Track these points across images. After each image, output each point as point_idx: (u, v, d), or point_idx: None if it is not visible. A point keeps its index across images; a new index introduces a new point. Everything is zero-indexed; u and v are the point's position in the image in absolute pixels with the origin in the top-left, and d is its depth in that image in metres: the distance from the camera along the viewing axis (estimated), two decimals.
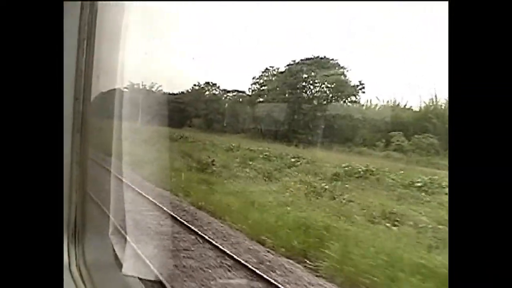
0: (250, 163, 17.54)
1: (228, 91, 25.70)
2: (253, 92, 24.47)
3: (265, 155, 18.77)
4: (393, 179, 14.28)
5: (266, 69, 23.74)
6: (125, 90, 2.25)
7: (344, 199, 12.38)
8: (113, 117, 2.06)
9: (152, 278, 4.96)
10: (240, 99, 25.54)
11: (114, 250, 2.36)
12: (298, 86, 22.38)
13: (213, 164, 16.73)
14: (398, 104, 20.05)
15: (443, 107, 17.74)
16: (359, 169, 15.26)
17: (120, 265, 2.26)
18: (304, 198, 12.54)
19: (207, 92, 26.49)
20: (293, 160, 17.63)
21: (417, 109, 19.54)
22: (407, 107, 20.07)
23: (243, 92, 25.38)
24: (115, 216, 2.29)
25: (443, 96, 17.55)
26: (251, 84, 24.54)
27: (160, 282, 5.78)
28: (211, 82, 26.03)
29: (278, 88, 22.88)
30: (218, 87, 25.98)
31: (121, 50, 2.14)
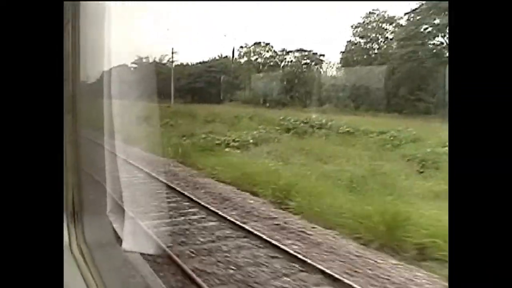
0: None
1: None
2: None
3: None
4: None
5: None
6: (133, 66, 2.24)
7: None
8: (105, 96, 2.05)
9: (152, 252, 5.01)
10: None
11: (113, 228, 2.37)
12: None
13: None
14: None
15: None
16: None
17: (120, 242, 2.28)
18: None
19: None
20: None
21: None
22: None
23: None
24: (112, 193, 2.30)
25: None
26: None
27: (160, 255, 5.85)
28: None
29: None
30: None
31: (106, 28, 2.11)
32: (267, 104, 20.84)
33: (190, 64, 23.48)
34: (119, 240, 2.34)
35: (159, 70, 20.77)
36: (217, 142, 16.19)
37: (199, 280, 5.34)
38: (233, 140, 16.26)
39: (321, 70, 22.39)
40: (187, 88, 24.02)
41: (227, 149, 15.57)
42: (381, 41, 22.47)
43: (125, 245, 2.26)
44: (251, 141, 16.04)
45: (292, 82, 20.87)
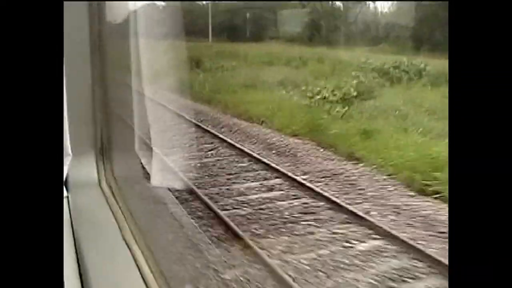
0: None
1: None
2: None
3: None
4: None
5: None
6: (162, 3, 2.21)
7: None
8: (131, 35, 2.05)
9: (180, 187, 5.13)
10: None
11: (141, 164, 2.42)
12: None
13: None
14: None
15: None
16: None
17: (148, 178, 2.33)
18: None
19: None
20: None
21: None
22: None
23: None
24: (140, 130, 2.33)
25: None
26: None
27: (188, 190, 6.00)
28: None
29: None
30: None
31: None
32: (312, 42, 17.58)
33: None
34: (147, 176, 2.39)
35: (192, 8, 19.12)
36: (310, 95, 11.43)
37: (222, 213, 5.55)
38: (332, 93, 11.36)
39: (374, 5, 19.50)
40: (223, 26, 21.95)
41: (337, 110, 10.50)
42: None
43: (153, 181, 2.30)
44: (354, 93, 11.37)
45: (343, 17, 18.25)
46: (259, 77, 13.90)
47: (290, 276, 4.55)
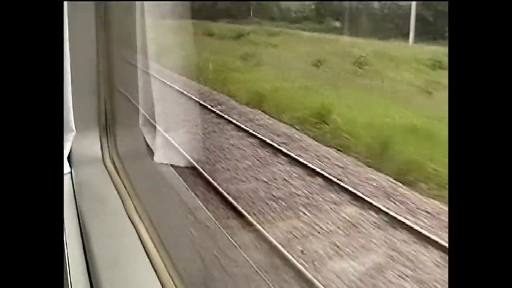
0: None
1: None
2: None
3: None
4: None
5: None
6: None
7: None
8: (137, 13, 2.04)
9: (183, 164, 5.14)
10: None
11: (145, 140, 2.43)
12: None
13: None
14: None
15: None
16: None
17: (152, 154, 2.34)
18: None
19: None
20: None
21: None
22: None
23: None
24: (144, 107, 2.33)
25: None
26: None
27: (191, 167, 6.02)
28: None
29: None
30: None
31: None
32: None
33: None
34: (151, 152, 2.40)
35: None
36: None
37: (222, 190, 5.62)
38: None
39: None
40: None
41: None
42: None
43: (157, 158, 2.32)
44: None
45: None
46: None
47: None
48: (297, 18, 14.41)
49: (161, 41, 2.11)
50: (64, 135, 2.16)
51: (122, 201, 1.97)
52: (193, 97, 9.15)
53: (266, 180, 6.27)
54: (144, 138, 2.39)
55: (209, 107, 9.37)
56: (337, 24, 12.62)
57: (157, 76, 2.24)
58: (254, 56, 11.99)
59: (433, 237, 4.55)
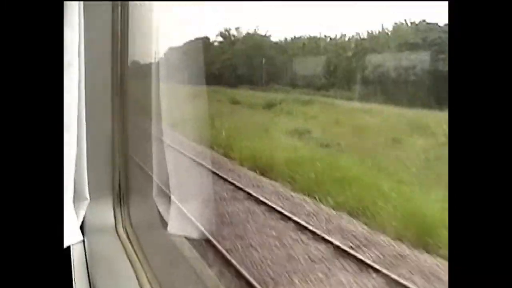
0: None
1: None
2: None
3: None
4: None
5: None
6: (184, 47, 2.24)
7: None
8: (153, 79, 2.06)
9: (197, 237, 5.07)
10: None
11: (159, 211, 2.40)
12: None
13: None
14: None
15: None
16: None
17: (165, 225, 2.30)
18: None
19: None
20: None
21: None
22: None
23: None
24: (158, 177, 2.31)
25: None
26: None
27: (206, 240, 5.93)
28: None
29: None
30: None
31: (154, 15, 2.12)
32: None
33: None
34: (164, 223, 2.36)
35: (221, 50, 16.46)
36: None
37: (235, 262, 5.48)
38: None
39: None
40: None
41: None
42: None
43: (170, 229, 2.27)
44: None
45: None
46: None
47: None
48: (322, 85, 13.33)
49: (176, 108, 2.12)
50: (77, 203, 2.14)
51: (135, 271, 1.91)
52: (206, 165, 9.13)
53: None
54: (158, 208, 2.36)
55: None
56: (367, 90, 11.77)
57: (171, 144, 2.23)
58: (310, 133, 10.55)
59: None
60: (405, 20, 11.69)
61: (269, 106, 13.06)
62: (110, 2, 2.23)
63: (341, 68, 13.08)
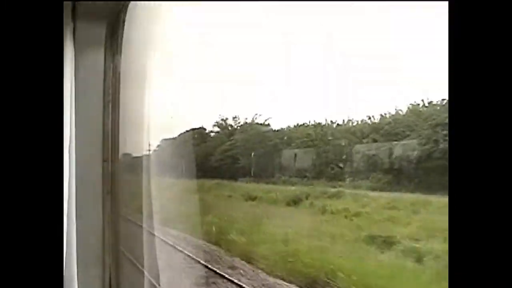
0: None
1: None
2: None
3: None
4: None
5: None
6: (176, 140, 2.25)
7: None
8: (144, 174, 2.06)
9: None
10: None
11: None
12: None
13: None
14: None
15: None
16: None
17: None
18: None
19: None
20: None
21: None
22: None
23: None
24: (149, 273, 2.26)
25: None
26: None
27: None
28: None
29: None
30: None
31: (146, 107, 2.15)
32: None
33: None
34: None
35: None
36: None
37: None
38: None
39: None
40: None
41: None
42: None
43: None
44: None
45: None
46: None
47: None
48: (335, 174, 11.59)
49: (167, 203, 2.10)
50: None
51: None
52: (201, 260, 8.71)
53: None
54: None
55: None
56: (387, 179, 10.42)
57: (163, 239, 2.19)
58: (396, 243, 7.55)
59: None
60: (422, 100, 11.03)
61: (295, 201, 10.78)
62: (101, 99, 2.27)
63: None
